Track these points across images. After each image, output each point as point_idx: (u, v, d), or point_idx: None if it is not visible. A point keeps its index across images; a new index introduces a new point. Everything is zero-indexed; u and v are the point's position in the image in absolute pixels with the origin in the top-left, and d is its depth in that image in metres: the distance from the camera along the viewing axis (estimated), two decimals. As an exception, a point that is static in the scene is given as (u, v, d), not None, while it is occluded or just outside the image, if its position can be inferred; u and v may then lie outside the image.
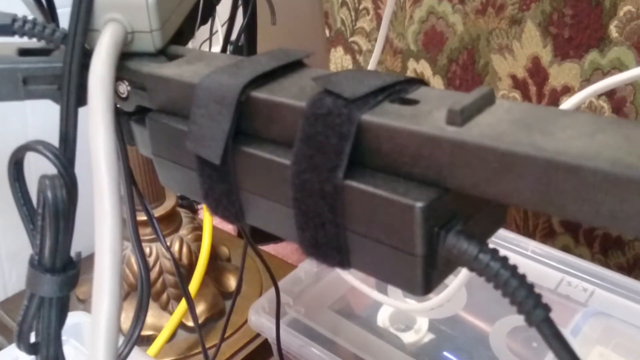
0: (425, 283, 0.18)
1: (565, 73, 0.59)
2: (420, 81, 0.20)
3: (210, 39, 0.34)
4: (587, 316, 0.50)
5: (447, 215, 0.17)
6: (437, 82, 0.72)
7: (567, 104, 0.31)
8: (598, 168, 0.14)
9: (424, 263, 0.17)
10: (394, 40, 0.74)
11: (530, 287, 0.16)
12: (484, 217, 0.19)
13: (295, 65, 0.23)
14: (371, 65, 0.49)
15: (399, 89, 0.19)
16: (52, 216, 0.25)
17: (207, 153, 0.21)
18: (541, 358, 0.46)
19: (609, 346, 0.48)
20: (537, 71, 0.61)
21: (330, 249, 0.19)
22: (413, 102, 0.18)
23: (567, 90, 0.60)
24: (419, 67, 0.73)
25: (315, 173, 0.18)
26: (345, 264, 0.19)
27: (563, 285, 0.53)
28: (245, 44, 0.42)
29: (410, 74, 0.75)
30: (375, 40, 0.77)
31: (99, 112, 0.23)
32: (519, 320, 0.51)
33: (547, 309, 0.16)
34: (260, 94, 0.21)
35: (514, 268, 0.16)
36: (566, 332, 0.49)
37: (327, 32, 0.82)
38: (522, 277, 0.16)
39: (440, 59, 0.70)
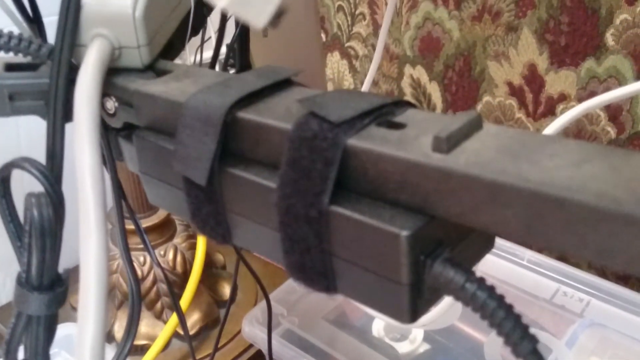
0: (412, 311, 0.17)
1: (561, 81, 0.59)
2: (407, 103, 0.20)
3: (201, 50, 0.34)
4: (583, 327, 0.50)
5: (433, 242, 0.17)
6: (433, 88, 0.72)
7: (558, 122, 0.30)
8: (583, 201, 0.14)
9: (410, 291, 0.17)
10: (390, 46, 0.74)
11: (517, 317, 0.16)
12: (471, 242, 0.18)
13: (283, 84, 0.22)
14: (370, 72, 0.49)
15: (386, 112, 0.19)
16: (39, 234, 0.24)
17: (193, 174, 0.21)
18: (536, 370, 0.45)
19: (604, 357, 0.47)
20: (534, 78, 0.61)
21: (316, 273, 0.19)
22: (400, 125, 0.18)
23: (564, 98, 0.59)
24: (416, 72, 0.73)
25: (301, 198, 0.18)
26: (331, 289, 0.19)
27: (559, 295, 0.53)
28: (237, 53, 0.42)
29: (406, 79, 0.74)
30: (372, 45, 0.77)
31: (84, 129, 0.23)
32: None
33: (534, 340, 0.16)
34: (246, 114, 0.20)
35: (500, 298, 0.16)
36: (562, 343, 0.48)
37: (323, 36, 0.81)
38: (509, 308, 0.16)
39: (436, 65, 0.70)
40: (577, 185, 0.14)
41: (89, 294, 0.21)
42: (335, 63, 0.82)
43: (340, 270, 0.18)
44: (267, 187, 0.19)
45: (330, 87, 0.84)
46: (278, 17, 0.19)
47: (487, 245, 0.20)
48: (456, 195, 0.16)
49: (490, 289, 0.16)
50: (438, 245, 0.17)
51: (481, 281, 0.16)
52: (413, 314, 0.17)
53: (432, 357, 0.51)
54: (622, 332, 0.49)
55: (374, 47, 0.76)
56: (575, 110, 0.30)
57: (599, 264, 0.14)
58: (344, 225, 0.18)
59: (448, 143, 0.16)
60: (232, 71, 0.39)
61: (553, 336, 0.50)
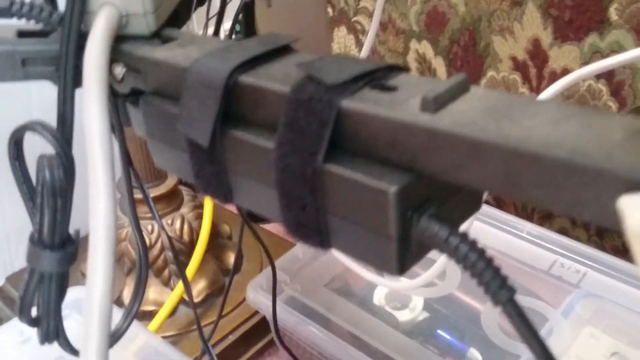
0: (400, 264, 0.18)
1: (565, 55, 0.59)
2: (400, 68, 0.20)
3: (206, 21, 0.34)
4: (579, 297, 0.51)
5: (420, 199, 0.18)
6: (438, 62, 0.72)
7: (553, 88, 0.31)
8: (557, 156, 0.14)
9: (398, 245, 0.18)
10: (396, 21, 0.74)
11: (497, 269, 0.17)
12: (459, 201, 0.19)
13: (284, 50, 0.23)
14: (366, 45, 0.50)
15: (379, 76, 0.20)
16: (50, 195, 0.25)
17: (196, 135, 0.22)
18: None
19: (599, 327, 0.49)
20: (537, 53, 0.61)
21: (311, 230, 0.20)
22: (392, 88, 0.19)
23: (567, 73, 0.60)
24: (421, 47, 0.73)
25: (297, 157, 0.19)
26: (325, 244, 0.20)
27: (556, 266, 0.54)
28: (242, 24, 0.43)
29: (412, 54, 0.75)
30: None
31: (93, 94, 0.24)
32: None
33: (511, 290, 0.17)
34: (247, 78, 0.21)
35: (481, 251, 0.17)
36: (558, 313, 0.50)
37: (330, 11, 0.82)
38: (490, 260, 0.17)
39: (442, 40, 0.70)
40: (553, 141, 0.15)
41: (97, 255, 0.22)
42: (342, 38, 0.83)
43: (333, 226, 0.20)
44: (266, 147, 0.20)
45: (336, 61, 0.84)
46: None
47: (474, 205, 0.21)
48: (441, 152, 0.17)
49: (472, 243, 0.17)
50: (425, 201, 0.18)
51: (464, 235, 0.17)
52: (401, 266, 0.19)
53: (431, 325, 0.53)
54: (618, 302, 0.50)
55: (380, 21, 0.76)
56: (570, 77, 0.31)
57: (571, 216, 0.15)
58: (336, 183, 0.19)
59: (435, 103, 0.17)
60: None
61: (550, 306, 0.51)
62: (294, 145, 0.19)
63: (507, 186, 0.16)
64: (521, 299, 0.50)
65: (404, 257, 0.18)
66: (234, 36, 0.42)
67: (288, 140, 0.19)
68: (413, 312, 0.54)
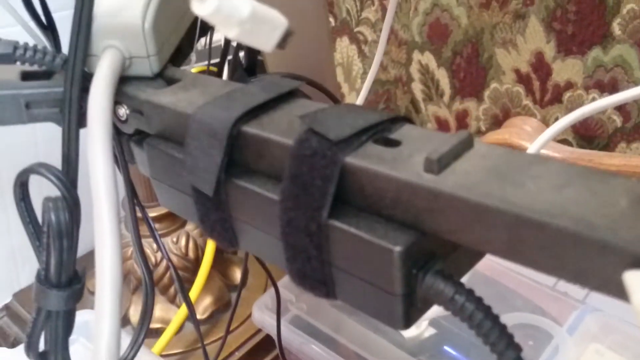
0: (405, 319, 0.19)
1: (568, 69, 0.59)
2: (404, 119, 0.20)
3: (209, 52, 0.34)
4: (585, 313, 0.51)
5: (425, 256, 0.18)
6: (441, 74, 0.72)
7: (563, 121, 0.31)
8: (562, 226, 0.14)
9: (403, 302, 0.18)
10: (399, 32, 0.74)
11: (503, 327, 0.17)
12: (463, 253, 0.19)
13: (287, 96, 0.23)
14: (377, 57, 0.50)
15: (383, 128, 0.20)
16: (56, 236, 0.26)
17: (201, 185, 0.22)
18: (537, 356, 0.47)
19: (605, 343, 0.49)
20: (541, 66, 0.61)
21: (317, 281, 0.20)
22: (395, 143, 0.19)
23: (570, 86, 0.60)
24: (424, 58, 0.73)
25: (301, 211, 0.19)
26: (331, 295, 0.20)
27: (561, 282, 0.54)
28: (245, 56, 0.43)
29: (415, 65, 0.75)
30: (381, 30, 0.77)
31: (97, 135, 0.24)
32: (517, 318, 0.52)
33: (518, 349, 0.17)
34: (250, 129, 0.21)
35: (487, 309, 0.17)
36: (563, 330, 0.50)
37: (332, 21, 0.82)
38: (496, 318, 0.17)
39: (444, 51, 0.70)
40: (556, 210, 0.15)
41: (105, 297, 0.23)
42: (344, 48, 0.83)
43: (339, 280, 0.20)
44: (271, 198, 0.21)
45: (339, 72, 0.85)
46: (285, 39, 0.20)
47: (478, 255, 0.21)
48: (445, 214, 0.17)
49: (478, 301, 0.17)
50: (430, 258, 0.18)
51: (470, 293, 0.17)
52: (406, 321, 0.19)
53: (438, 342, 0.53)
54: (623, 318, 0.50)
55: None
56: (580, 111, 0.31)
57: (576, 285, 0.15)
58: (341, 239, 0.19)
59: (439, 164, 0.17)
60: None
61: (555, 322, 0.51)
62: (299, 200, 0.19)
63: (510, 251, 0.16)
64: (527, 317, 0.50)
65: (409, 313, 0.18)
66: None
67: (292, 194, 0.19)
68: (419, 328, 0.54)
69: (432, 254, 0.18)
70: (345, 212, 0.19)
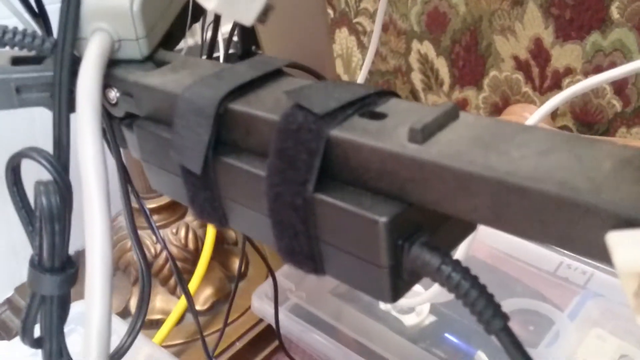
0: (393, 292, 0.18)
1: (567, 54, 0.59)
2: (391, 93, 0.20)
3: (202, 38, 0.34)
4: (586, 299, 0.51)
5: (411, 228, 0.18)
6: (441, 63, 0.72)
7: (557, 98, 0.31)
8: (544, 190, 0.14)
9: (390, 274, 0.18)
10: (397, 21, 0.74)
11: (490, 296, 0.17)
12: (452, 226, 0.19)
13: (274, 75, 0.23)
14: (372, 46, 0.50)
15: (369, 102, 0.20)
16: (48, 220, 0.26)
17: (188, 163, 0.22)
18: (538, 341, 0.47)
19: (606, 328, 0.48)
20: (540, 52, 0.61)
21: (305, 257, 0.20)
22: (381, 115, 0.19)
23: (570, 72, 0.59)
24: (423, 48, 0.73)
25: (287, 186, 0.19)
26: (319, 271, 0.20)
27: (562, 268, 0.53)
28: (239, 34, 0.43)
29: (414, 55, 0.75)
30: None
31: (86, 119, 0.24)
32: (517, 303, 0.51)
33: (505, 318, 0.17)
34: (237, 106, 0.21)
35: (474, 279, 0.17)
36: (564, 315, 0.49)
37: (331, 13, 0.81)
38: (482, 288, 0.17)
39: (443, 40, 0.70)
40: (540, 174, 0.15)
41: (95, 279, 0.23)
42: (343, 39, 0.83)
43: (326, 254, 0.20)
44: (258, 175, 0.20)
45: (339, 63, 0.84)
46: (265, 13, 0.20)
47: (469, 228, 0.20)
48: (429, 183, 0.17)
49: (465, 271, 0.17)
50: (416, 229, 0.18)
51: (456, 263, 0.17)
52: (394, 294, 0.18)
53: (438, 329, 0.53)
54: (624, 303, 0.50)
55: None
56: (575, 88, 0.31)
57: (561, 249, 0.15)
58: (328, 212, 0.19)
59: (423, 134, 0.17)
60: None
61: (556, 308, 0.50)
62: (284, 175, 0.19)
63: (495, 219, 0.16)
64: (527, 302, 0.49)
65: (396, 286, 0.18)
66: (232, 42, 0.41)
67: (278, 169, 0.19)
68: (420, 316, 0.54)
69: (419, 226, 0.18)
70: (331, 186, 0.19)
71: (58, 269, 0.27)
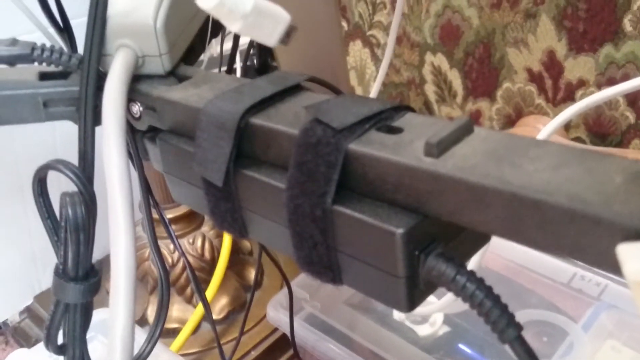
0: (409, 301, 0.19)
1: (580, 66, 0.59)
2: (406, 108, 0.21)
3: (221, 52, 0.35)
4: (600, 310, 0.51)
5: (427, 239, 0.18)
6: (454, 75, 0.73)
7: (570, 110, 0.31)
8: (557, 203, 0.15)
9: (407, 283, 0.19)
10: (411, 34, 0.75)
11: (504, 306, 0.17)
12: (466, 237, 0.20)
13: (293, 89, 0.24)
14: (385, 59, 0.50)
15: (385, 117, 0.20)
16: (73, 230, 0.26)
17: (210, 176, 0.23)
18: (551, 352, 0.47)
19: (620, 340, 0.48)
20: (553, 64, 0.61)
21: (323, 267, 0.21)
22: (397, 130, 0.20)
23: (583, 84, 0.60)
24: (436, 60, 0.74)
25: (307, 198, 0.20)
26: (337, 281, 0.21)
27: (576, 279, 0.53)
28: (257, 49, 0.43)
29: (427, 67, 0.75)
30: (393, 33, 0.77)
31: (111, 132, 0.25)
32: (531, 315, 0.52)
33: (518, 327, 0.17)
34: (258, 120, 0.22)
35: (489, 289, 0.18)
36: (578, 327, 0.49)
37: (345, 25, 0.82)
38: (497, 297, 0.18)
39: (456, 53, 0.71)
40: (552, 187, 0.15)
41: (119, 287, 0.23)
42: (357, 52, 0.83)
43: (344, 264, 0.20)
44: (278, 187, 0.21)
45: (353, 75, 0.85)
46: (288, 35, 0.21)
47: (483, 240, 0.21)
48: (445, 196, 0.17)
49: (479, 281, 0.18)
50: (432, 241, 0.19)
51: (471, 274, 0.18)
52: (410, 303, 0.19)
53: (452, 339, 0.53)
54: (639, 314, 0.49)
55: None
56: (588, 100, 0.31)
57: (573, 260, 0.15)
58: (346, 223, 0.19)
59: (438, 148, 0.18)
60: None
61: (570, 319, 0.51)
62: (304, 187, 0.20)
63: (508, 230, 0.16)
64: (541, 314, 0.49)
65: (412, 295, 0.19)
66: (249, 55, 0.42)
67: (298, 182, 0.20)
68: (433, 326, 0.54)
69: (434, 237, 0.19)
70: (349, 198, 0.19)
71: (82, 278, 0.28)
